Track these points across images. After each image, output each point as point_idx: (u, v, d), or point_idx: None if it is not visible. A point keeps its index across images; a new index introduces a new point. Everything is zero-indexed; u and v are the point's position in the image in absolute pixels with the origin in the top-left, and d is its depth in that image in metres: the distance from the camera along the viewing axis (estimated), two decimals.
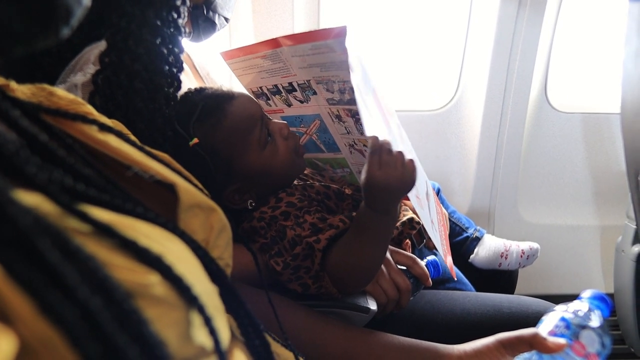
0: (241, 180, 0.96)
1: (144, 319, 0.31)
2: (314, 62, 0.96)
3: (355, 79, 0.90)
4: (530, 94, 1.94)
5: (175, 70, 0.89)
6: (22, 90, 0.51)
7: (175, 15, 0.88)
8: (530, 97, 1.95)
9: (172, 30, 0.88)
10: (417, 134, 2.04)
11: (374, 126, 0.87)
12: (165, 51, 0.87)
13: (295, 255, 0.90)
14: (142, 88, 0.84)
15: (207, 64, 1.25)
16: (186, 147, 0.90)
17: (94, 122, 0.50)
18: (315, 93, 1.03)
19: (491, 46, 1.84)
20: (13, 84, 0.50)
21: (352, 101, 0.93)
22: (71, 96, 0.54)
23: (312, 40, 0.93)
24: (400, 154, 0.82)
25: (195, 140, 0.90)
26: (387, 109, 1.03)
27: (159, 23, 0.86)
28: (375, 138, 0.82)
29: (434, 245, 1.27)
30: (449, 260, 1.01)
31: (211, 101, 0.94)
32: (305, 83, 1.03)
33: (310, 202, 0.98)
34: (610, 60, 2.06)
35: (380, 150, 0.81)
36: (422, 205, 0.96)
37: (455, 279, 1.03)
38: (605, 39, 2.07)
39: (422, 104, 2.06)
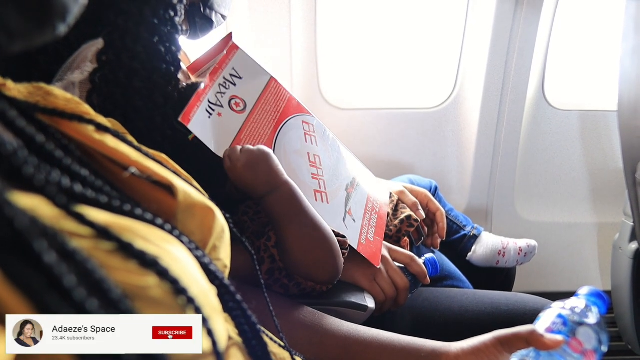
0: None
1: None
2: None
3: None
4: (528, 91, 1.94)
5: (172, 68, 0.89)
6: (18, 90, 0.51)
7: (172, 13, 0.88)
8: (527, 94, 1.95)
9: (169, 28, 0.88)
10: (415, 131, 2.04)
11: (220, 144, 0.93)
12: (162, 49, 0.87)
13: (261, 259, 0.91)
14: (141, 86, 0.84)
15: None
16: (186, 144, 0.90)
17: (90, 122, 0.50)
18: None
19: (488, 44, 1.84)
20: (10, 83, 0.50)
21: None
22: (68, 96, 0.54)
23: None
24: (235, 148, 0.90)
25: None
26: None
27: (156, 21, 0.86)
28: (225, 151, 0.91)
29: (429, 244, 1.28)
30: (372, 251, 1.01)
31: None
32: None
33: None
34: (607, 58, 2.06)
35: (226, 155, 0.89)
36: (327, 200, 0.99)
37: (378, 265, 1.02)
38: (603, 37, 2.07)
39: (420, 101, 2.06)
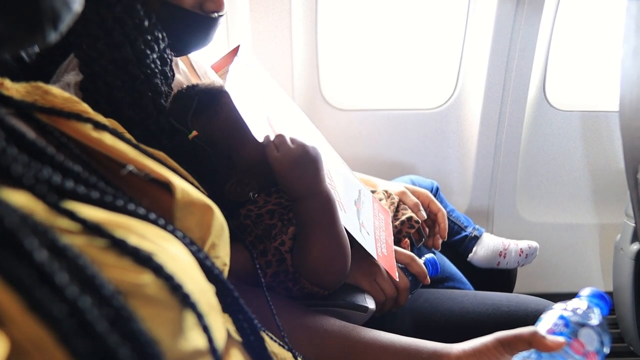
0: (241, 172, 0.95)
1: (134, 316, 0.31)
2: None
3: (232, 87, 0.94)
4: (529, 92, 1.94)
5: (156, 79, 0.88)
6: (16, 89, 0.51)
7: (143, 21, 0.88)
8: (528, 95, 1.94)
9: (147, 37, 0.88)
10: (416, 132, 2.04)
11: (260, 127, 0.91)
12: (141, 60, 0.86)
13: (268, 262, 0.90)
14: (124, 97, 0.83)
15: (204, 62, 1.25)
16: (185, 144, 0.89)
17: (88, 120, 0.50)
18: None
19: (489, 44, 1.84)
20: (7, 83, 0.50)
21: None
22: (66, 95, 0.54)
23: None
24: (284, 136, 0.86)
25: (195, 132, 0.89)
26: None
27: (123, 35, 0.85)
28: (266, 136, 0.87)
29: (430, 244, 1.27)
30: (390, 264, 1.00)
31: (206, 95, 0.93)
32: None
33: None
34: (608, 58, 2.06)
35: (272, 139, 0.85)
36: (344, 209, 0.96)
37: (397, 279, 1.01)
38: (604, 37, 2.06)
39: (421, 102, 2.06)
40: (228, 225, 0.53)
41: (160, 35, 0.90)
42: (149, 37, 0.88)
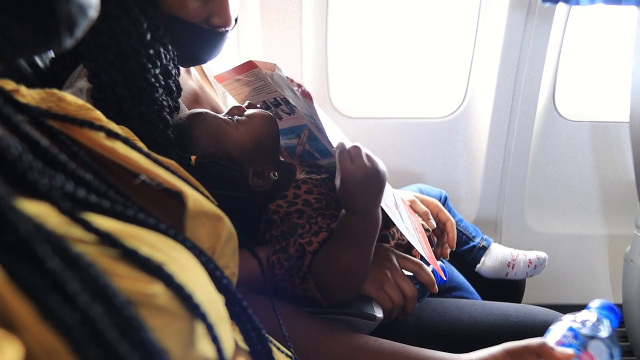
0: (249, 163, 0.98)
1: (144, 326, 0.31)
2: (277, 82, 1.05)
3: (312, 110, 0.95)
4: (538, 102, 1.93)
5: (157, 91, 0.89)
6: (32, 95, 0.51)
7: (146, 36, 0.88)
8: (538, 105, 1.94)
9: (150, 51, 0.88)
10: (425, 141, 2.03)
11: (335, 135, 0.92)
12: (149, 78, 0.87)
13: (289, 257, 0.91)
14: (131, 108, 0.84)
15: (214, 68, 1.26)
16: (193, 168, 0.91)
17: (101, 128, 0.50)
18: (295, 106, 1.10)
19: (499, 54, 1.84)
20: (23, 89, 0.50)
21: (311, 117, 1.01)
22: (80, 102, 0.54)
23: (271, 69, 1.02)
24: (361, 149, 0.85)
25: (193, 157, 0.92)
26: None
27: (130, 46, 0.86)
28: (341, 142, 0.86)
29: (439, 254, 1.27)
30: (435, 263, 1.02)
31: (179, 126, 0.95)
32: (285, 98, 1.09)
33: (328, 204, 0.98)
34: (619, 69, 2.05)
35: (348, 148, 0.85)
36: (392, 212, 0.97)
37: (445, 279, 1.03)
38: (614, 48, 2.06)
39: (430, 111, 2.06)
40: (242, 231, 0.53)
41: (162, 50, 0.91)
42: (151, 52, 0.88)
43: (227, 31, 1.02)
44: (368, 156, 0.85)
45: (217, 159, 0.94)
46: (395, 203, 1.06)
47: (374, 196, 0.85)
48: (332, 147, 0.88)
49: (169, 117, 0.90)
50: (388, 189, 1.08)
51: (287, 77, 0.96)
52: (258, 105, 1.14)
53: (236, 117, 1.00)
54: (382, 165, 0.86)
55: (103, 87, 0.83)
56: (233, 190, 0.96)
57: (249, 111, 1.02)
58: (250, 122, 0.99)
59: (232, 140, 0.97)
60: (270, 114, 1.04)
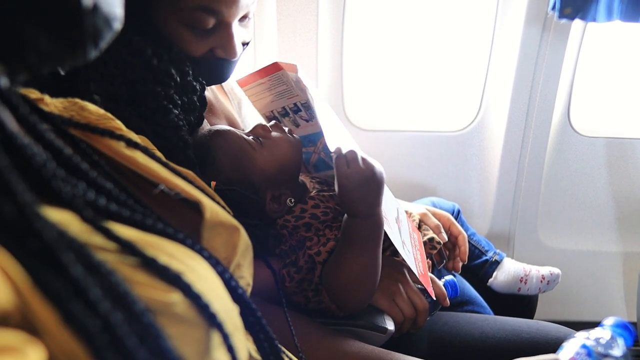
0: (268, 189, 0.97)
1: (163, 333, 0.32)
2: (300, 87, 1.05)
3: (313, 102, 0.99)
4: (553, 117, 1.92)
5: (171, 112, 0.87)
6: (55, 105, 0.53)
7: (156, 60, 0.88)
8: (552, 120, 1.93)
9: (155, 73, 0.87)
10: (438, 154, 2.03)
11: (335, 139, 0.93)
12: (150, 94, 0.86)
13: (299, 268, 0.91)
14: (145, 128, 0.83)
15: (230, 79, 1.27)
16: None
17: (121, 137, 0.51)
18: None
19: (514, 68, 1.84)
20: (47, 98, 0.52)
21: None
22: (101, 111, 0.55)
23: (294, 71, 1.03)
24: (356, 153, 0.87)
25: (213, 183, 0.92)
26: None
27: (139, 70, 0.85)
28: (338, 147, 0.87)
29: (451, 267, 1.27)
30: (426, 281, 1.01)
31: (202, 146, 0.95)
32: (306, 102, 1.09)
33: (335, 218, 0.98)
34: (635, 85, 2.04)
35: (345, 153, 0.86)
36: (389, 225, 0.96)
37: (433, 297, 1.02)
38: (631, 64, 2.05)
39: (444, 124, 2.06)
40: (257, 241, 0.54)
41: (174, 72, 0.90)
42: (160, 75, 0.87)
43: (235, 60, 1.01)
44: (364, 159, 0.86)
45: (238, 186, 0.94)
46: (397, 217, 1.06)
47: (372, 198, 0.86)
48: (330, 150, 0.89)
49: (188, 137, 0.89)
50: (391, 201, 1.08)
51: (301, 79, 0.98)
52: (278, 111, 1.15)
53: (261, 138, 0.99)
54: (379, 167, 0.87)
55: (115, 113, 0.84)
56: (248, 216, 0.95)
57: (274, 133, 1.01)
58: (275, 148, 0.98)
59: (256, 166, 0.96)
60: (297, 138, 1.03)
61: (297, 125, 1.17)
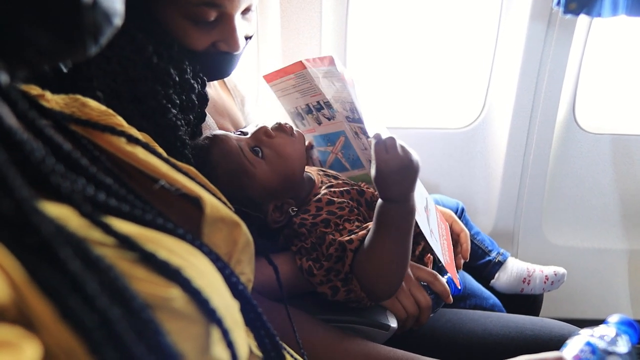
0: (270, 199, 0.97)
1: (161, 329, 0.32)
2: (327, 84, 1.08)
3: (354, 98, 1.02)
4: (558, 113, 1.91)
5: (170, 112, 0.87)
6: (56, 101, 0.53)
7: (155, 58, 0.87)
8: (557, 117, 1.92)
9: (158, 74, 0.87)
10: (442, 151, 2.02)
11: (373, 125, 0.97)
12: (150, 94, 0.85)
13: (329, 256, 0.91)
14: (146, 128, 0.83)
15: (233, 76, 1.26)
16: None
17: (122, 133, 0.51)
18: (337, 110, 1.12)
19: (519, 65, 1.83)
20: (48, 95, 0.52)
21: (360, 120, 1.05)
22: (102, 107, 0.55)
23: (323, 65, 1.07)
24: (395, 140, 0.89)
25: None
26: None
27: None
28: (378, 133, 0.90)
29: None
30: (452, 271, 1.02)
31: (203, 163, 0.93)
32: (329, 101, 1.11)
33: (351, 210, 0.98)
34: None
35: (384, 139, 0.88)
36: (419, 213, 0.98)
37: (460, 287, 1.03)
38: (637, 59, 2.03)
39: (448, 121, 2.05)
40: (254, 242, 0.53)
41: (173, 70, 0.90)
42: (160, 74, 0.87)
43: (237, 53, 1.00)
44: (402, 147, 0.89)
45: (237, 205, 0.92)
46: (427, 206, 1.07)
47: (408, 184, 0.88)
48: (368, 135, 0.92)
49: (186, 137, 0.89)
50: (421, 190, 1.09)
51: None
52: (302, 107, 1.16)
53: (261, 151, 0.97)
54: (415, 156, 0.89)
55: (116, 110, 0.83)
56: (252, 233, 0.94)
57: (277, 139, 0.98)
58: (277, 161, 0.97)
59: (257, 183, 0.95)
60: (302, 140, 1.02)
61: (320, 123, 1.19)
